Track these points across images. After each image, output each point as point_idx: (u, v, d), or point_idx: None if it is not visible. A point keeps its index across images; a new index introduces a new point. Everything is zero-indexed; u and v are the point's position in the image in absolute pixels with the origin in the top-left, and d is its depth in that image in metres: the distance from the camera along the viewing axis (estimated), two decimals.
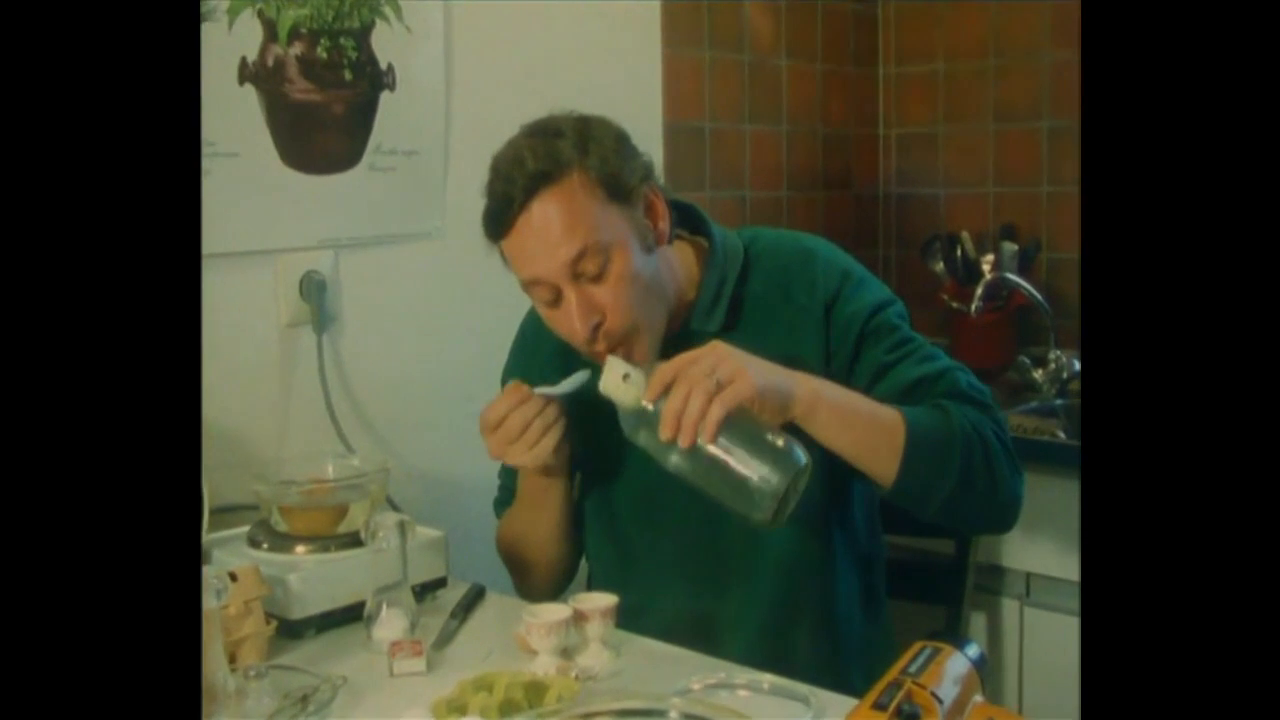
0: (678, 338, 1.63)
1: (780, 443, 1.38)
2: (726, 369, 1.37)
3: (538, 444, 1.57)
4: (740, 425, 1.37)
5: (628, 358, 1.53)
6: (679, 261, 1.65)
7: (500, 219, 1.53)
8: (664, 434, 1.36)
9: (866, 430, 1.48)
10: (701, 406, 1.34)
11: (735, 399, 1.35)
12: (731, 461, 1.37)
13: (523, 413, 1.56)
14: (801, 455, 1.38)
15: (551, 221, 1.50)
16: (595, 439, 1.68)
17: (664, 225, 1.60)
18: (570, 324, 1.53)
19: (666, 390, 1.38)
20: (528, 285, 1.56)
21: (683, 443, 1.35)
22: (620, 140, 1.57)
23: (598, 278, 1.51)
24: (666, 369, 1.39)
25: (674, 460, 1.40)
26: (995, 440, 1.54)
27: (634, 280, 1.53)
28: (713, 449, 1.36)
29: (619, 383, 1.43)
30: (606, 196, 1.52)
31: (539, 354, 1.75)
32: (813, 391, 1.44)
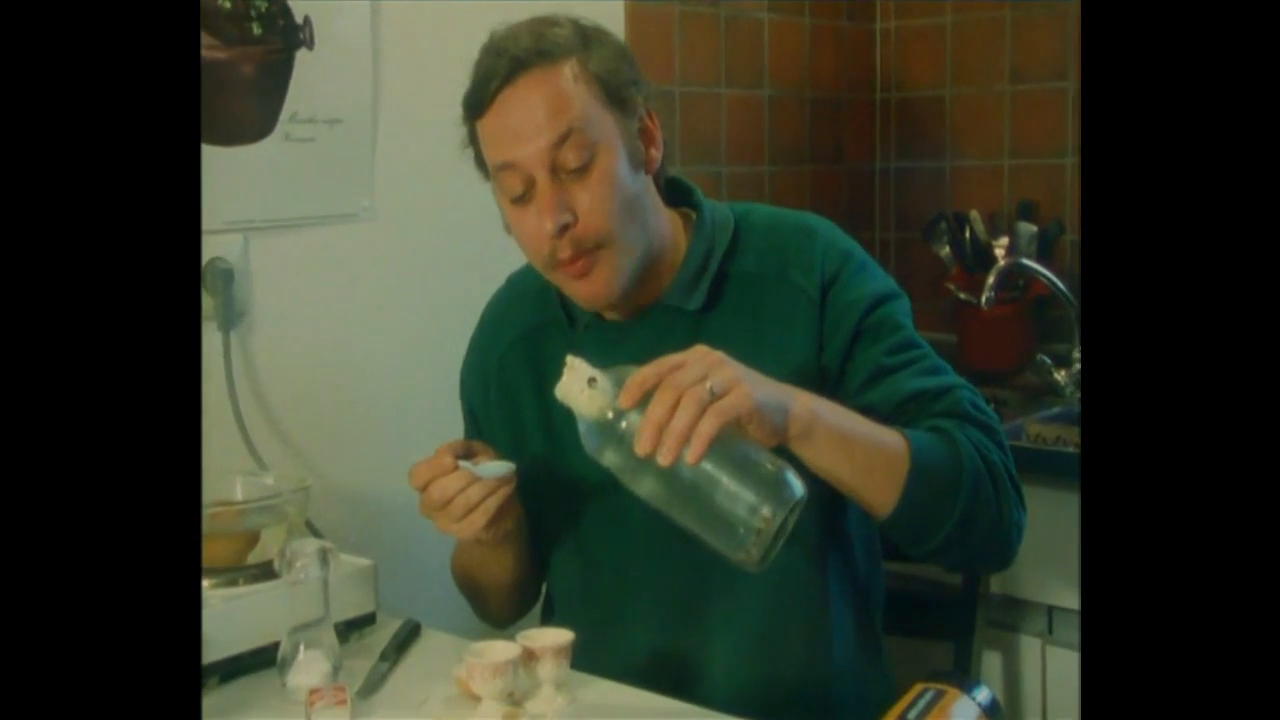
0: (650, 313, 1.66)
1: (775, 469, 1.35)
2: (721, 377, 1.34)
3: (463, 520, 1.56)
4: (730, 446, 1.34)
5: (589, 270, 1.56)
6: (667, 225, 1.68)
7: (482, 92, 1.57)
8: (641, 446, 1.30)
9: (866, 457, 1.48)
10: (691, 418, 1.30)
11: (732, 412, 1.32)
12: (718, 489, 1.33)
13: (442, 486, 1.55)
14: (798, 486, 1.35)
15: (537, 100, 1.54)
16: (556, 435, 1.69)
17: (656, 153, 1.65)
18: (537, 223, 1.55)
19: (645, 398, 1.34)
20: (498, 173, 1.59)
21: (664, 460, 1.29)
22: (623, 51, 1.64)
23: (578, 174, 1.55)
24: (647, 372, 1.35)
25: (647, 484, 1.36)
26: (1002, 470, 1.56)
27: (618, 186, 1.56)
28: (696, 471, 1.32)
29: (583, 388, 1.36)
30: (602, 96, 1.57)
31: (498, 343, 1.78)
32: (810, 410, 1.43)
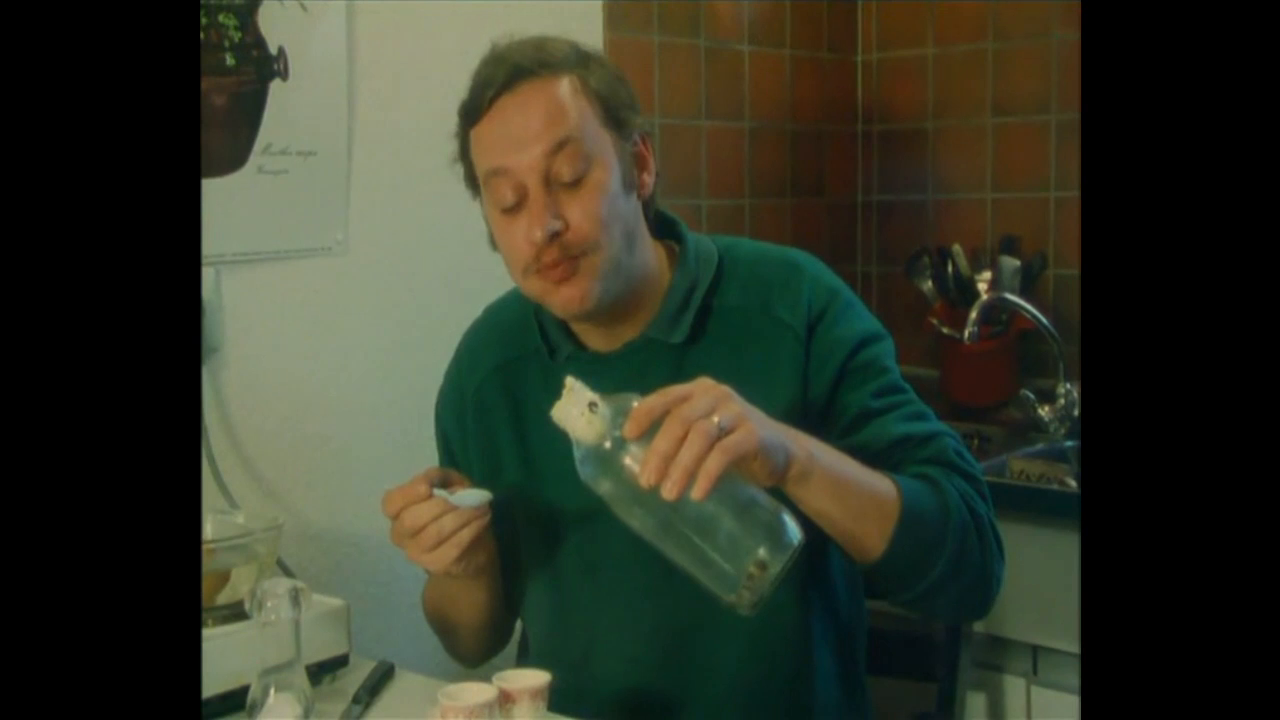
0: (633, 346, 1.66)
1: (774, 513, 1.35)
2: (728, 413, 1.33)
3: (434, 550, 1.55)
4: (731, 485, 1.33)
5: (572, 275, 1.56)
6: (652, 256, 1.68)
7: (479, 98, 1.58)
8: (646, 479, 1.28)
9: (859, 502, 1.49)
10: (699, 453, 1.28)
11: (738, 450, 1.31)
12: (715, 528, 1.33)
13: (415, 513, 1.54)
14: (796, 532, 1.34)
15: (535, 109, 1.56)
16: (533, 467, 1.69)
17: (649, 179, 1.66)
18: (527, 231, 1.55)
19: (648, 429, 1.33)
20: (490, 179, 1.59)
21: (669, 494, 1.28)
22: (620, 75, 1.65)
23: (570, 186, 1.56)
24: (654, 401, 1.34)
25: (643, 517, 1.35)
26: (986, 522, 1.58)
27: (610, 199, 1.57)
28: (696, 509, 1.30)
29: (582, 411, 1.34)
30: (600, 113, 1.59)
31: (476, 373, 1.78)
32: (808, 453, 1.43)
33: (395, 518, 1.56)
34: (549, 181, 1.55)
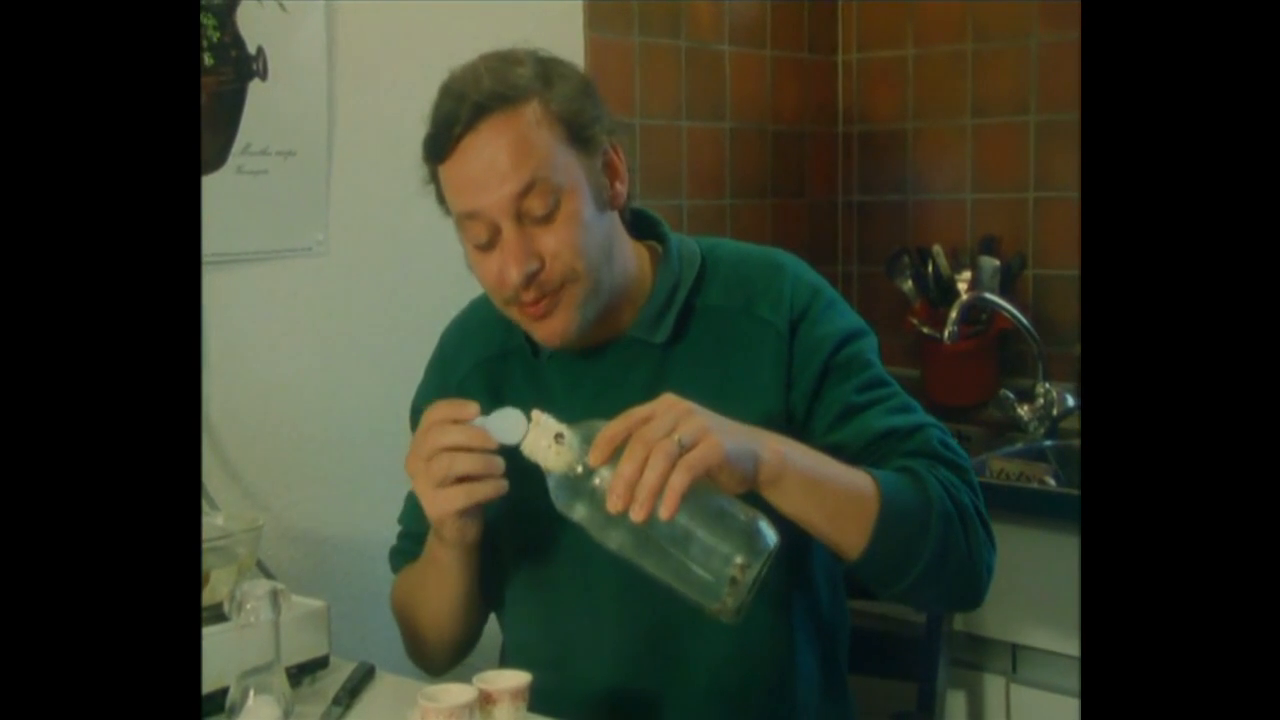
0: (616, 346, 1.66)
1: (748, 519, 1.36)
2: (689, 428, 1.35)
3: (441, 489, 1.50)
4: (702, 497, 1.34)
5: (551, 310, 1.55)
6: (633, 258, 1.68)
7: (443, 138, 1.55)
8: (613, 504, 1.31)
9: (836, 500, 1.49)
10: (662, 473, 1.31)
11: (702, 464, 1.33)
12: (691, 541, 1.34)
13: (446, 430, 1.49)
14: (771, 535, 1.35)
15: (500, 148, 1.53)
16: (513, 466, 1.68)
17: (621, 187, 1.64)
18: (503, 269, 1.54)
19: (615, 454, 1.34)
20: (462, 220, 1.58)
21: (637, 516, 1.30)
22: (586, 86, 1.62)
23: (543, 220, 1.54)
24: (616, 427, 1.36)
25: (618, 538, 1.37)
26: (972, 510, 1.57)
27: (584, 229, 1.56)
28: (669, 525, 1.32)
29: (549, 443, 1.38)
30: (565, 136, 1.56)
31: (458, 368, 1.77)
32: (779, 455, 1.44)
33: (427, 431, 1.51)
34: (520, 218, 1.53)
